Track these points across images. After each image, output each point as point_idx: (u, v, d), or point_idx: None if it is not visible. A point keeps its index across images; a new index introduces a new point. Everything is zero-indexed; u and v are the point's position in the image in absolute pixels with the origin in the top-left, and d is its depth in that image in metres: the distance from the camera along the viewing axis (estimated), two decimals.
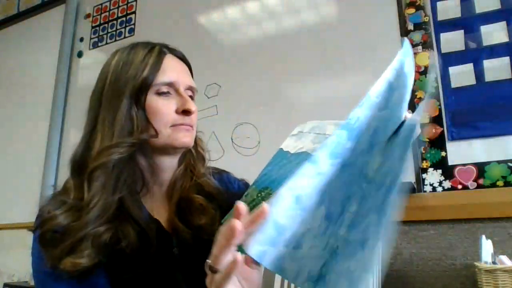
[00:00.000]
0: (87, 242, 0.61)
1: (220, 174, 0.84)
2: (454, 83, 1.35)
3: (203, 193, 0.75)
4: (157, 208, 0.73)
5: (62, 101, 2.28)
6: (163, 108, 0.70)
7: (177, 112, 0.70)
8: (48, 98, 2.31)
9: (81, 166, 0.68)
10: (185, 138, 0.70)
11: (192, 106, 0.71)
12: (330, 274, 0.51)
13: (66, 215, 0.63)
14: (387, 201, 0.45)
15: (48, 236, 0.63)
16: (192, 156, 0.77)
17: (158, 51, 0.73)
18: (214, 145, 1.71)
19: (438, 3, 1.43)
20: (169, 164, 0.74)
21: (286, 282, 1.16)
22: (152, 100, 0.69)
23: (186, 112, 0.70)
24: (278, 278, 1.22)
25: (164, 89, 0.70)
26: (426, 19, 1.43)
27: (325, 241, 0.52)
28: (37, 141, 2.28)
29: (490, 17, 1.34)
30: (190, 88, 0.74)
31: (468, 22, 1.37)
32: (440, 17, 1.42)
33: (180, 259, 0.69)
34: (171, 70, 0.72)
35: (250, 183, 0.66)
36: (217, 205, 0.74)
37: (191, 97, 0.74)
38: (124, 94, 0.68)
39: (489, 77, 1.30)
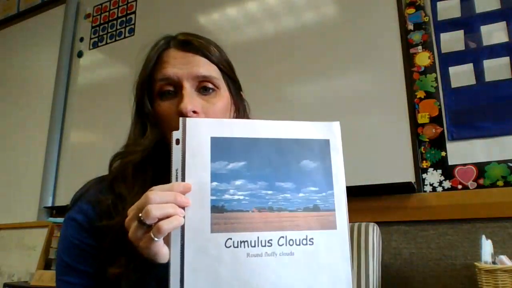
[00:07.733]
0: None
1: None
2: (454, 83, 1.35)
3: None
4: None
5: (62, 101, 2.27)
6: (164, 113, 0.60)
7: (178, 115, 0.58)
8: (48, 98, 2.31)
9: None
10: None
11: (187, 104, 0.57)
12: None
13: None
14: None
15: None
16: None
17: (161, 45, 0.65)
18: None
19: (438, 3, 1.43)
20: None
21: None
22: (156, 104, 0.62)
23: (181, 115, 0.57)
24: None
25: (165, 88, 0.60)
26: (426, 19, 1.43)
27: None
28: (37, 141, 2.28)
29: (490, 17, 1.34)
30: (202, 79, 0.62)
31: (468, 22, 1.37)
32: (440, 17, 1.42)
33: None
34: (169, 65, 0.61)
35: None
36: None
37: (207, 88, 0.62)
38: (136, 97, 0.65)
39: (489, 77, 1.30)
